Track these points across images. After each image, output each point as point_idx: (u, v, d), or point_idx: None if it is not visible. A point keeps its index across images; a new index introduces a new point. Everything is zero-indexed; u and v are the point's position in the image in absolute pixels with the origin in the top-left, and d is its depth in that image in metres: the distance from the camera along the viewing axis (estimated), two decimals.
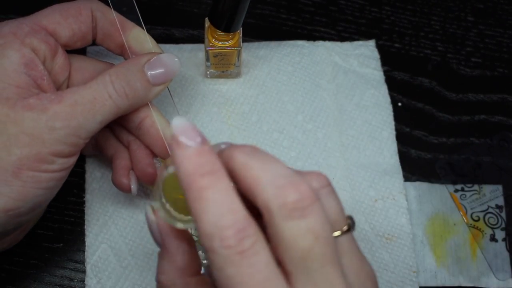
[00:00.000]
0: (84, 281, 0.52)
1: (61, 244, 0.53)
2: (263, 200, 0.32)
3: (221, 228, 0.32)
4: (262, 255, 0.32)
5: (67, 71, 0.48)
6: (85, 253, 0.52)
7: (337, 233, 0.35)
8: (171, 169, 0.36)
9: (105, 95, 0.44)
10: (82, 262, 0.53)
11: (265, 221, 0.33)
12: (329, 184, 0.36)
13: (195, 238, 0.41)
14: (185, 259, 0.37)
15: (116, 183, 0.49)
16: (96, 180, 0.54)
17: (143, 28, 0.49)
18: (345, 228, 0.35)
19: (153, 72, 0.46)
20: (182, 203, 0.37)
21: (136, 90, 0.45)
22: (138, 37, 0.48)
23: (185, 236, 0.38)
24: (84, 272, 0.52)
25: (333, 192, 0.36)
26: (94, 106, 0.44)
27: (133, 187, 0.49)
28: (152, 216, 0.38)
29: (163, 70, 0.46)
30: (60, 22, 0.47)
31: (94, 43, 0.50)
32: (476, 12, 0.64)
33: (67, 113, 0.43)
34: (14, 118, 0.42)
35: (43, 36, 0.46)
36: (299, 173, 0.34)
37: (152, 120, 0.48)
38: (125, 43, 0.47)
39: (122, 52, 0.49)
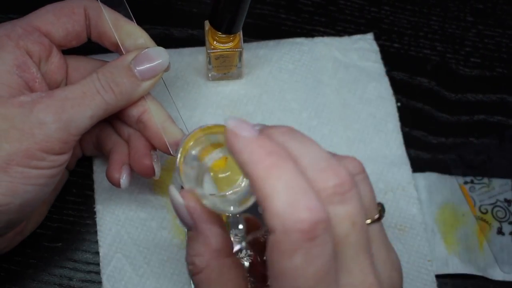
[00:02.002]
0: (83, 280, 0.52)
1: (60, 244, 0.53)
2: None
3: (297, 209, 0.31)
4: (329, 245, 0.31)
5: (64, 70, 0.48)
6: (100, 263, 0.52)
7: (369, 221, 0.35)
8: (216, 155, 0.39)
9: (94, 90, 0.45)
10: (81, 261, 0.53)
11: None
12: (363, 170, 0.36)
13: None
14: (219, 241, 0.38)
15: (108, 177, 0.49)
16: (105, 190, 0.54)
17: (136, 24, 0.48)
18: (376, 216, 0.35)
19: (140, 68, 0.46)
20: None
21: (123, 86, 0.45)
22: (131, 33, 0.48)
23: (217, 218, 0.39)
24: (83, 271, 0.52)
25: (367, 178, 0.36)
26: (84, 100, 0.44)
27: (123, 181, 0.48)
28: (180, 199, 0.38)
29: (151, 64, 0.46)
30: (54, 22, 0.47)
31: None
32: (475, 12, 0.64)
33: (58, 107, 0.43)
34: (4, 114, 0.42)
35: (36, 37, 0.46)
36: (336, 157, 0.34)
37: (151, 113, 0.48)
38: (118, 40, 0.48)
39: (118, 50, 0.49)
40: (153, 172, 0.48)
